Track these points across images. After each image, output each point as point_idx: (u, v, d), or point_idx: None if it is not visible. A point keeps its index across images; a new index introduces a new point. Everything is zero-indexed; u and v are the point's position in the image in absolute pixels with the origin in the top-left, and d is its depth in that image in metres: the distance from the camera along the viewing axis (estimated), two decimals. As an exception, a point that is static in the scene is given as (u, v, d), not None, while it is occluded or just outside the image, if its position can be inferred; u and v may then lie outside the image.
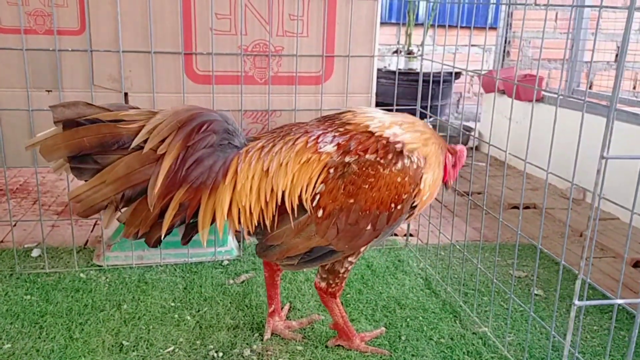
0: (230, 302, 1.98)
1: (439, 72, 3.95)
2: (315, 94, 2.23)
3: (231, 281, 2.13)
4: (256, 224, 1.47)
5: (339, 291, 1.66)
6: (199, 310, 1.92)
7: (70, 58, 1.99)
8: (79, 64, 2.00)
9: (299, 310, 1.96)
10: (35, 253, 2.29)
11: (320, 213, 1.44)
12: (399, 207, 1.47)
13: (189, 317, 1.88)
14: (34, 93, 1.99)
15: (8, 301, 1.92)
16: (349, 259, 1.59)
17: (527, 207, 3.24)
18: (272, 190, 1.44)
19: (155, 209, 1.38)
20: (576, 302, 1.19)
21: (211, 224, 1.46)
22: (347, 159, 1.44)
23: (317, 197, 1.44)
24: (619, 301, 1.18)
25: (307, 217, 1.45)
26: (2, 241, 2.42)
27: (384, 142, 1.46)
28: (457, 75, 4.62)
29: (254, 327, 1.84)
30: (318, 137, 1.48)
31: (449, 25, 2.31)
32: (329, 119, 1.59)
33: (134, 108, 1.43)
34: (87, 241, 2.46)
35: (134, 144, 1.34)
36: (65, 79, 2.00)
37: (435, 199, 3.20)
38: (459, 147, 1.72)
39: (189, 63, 2.08)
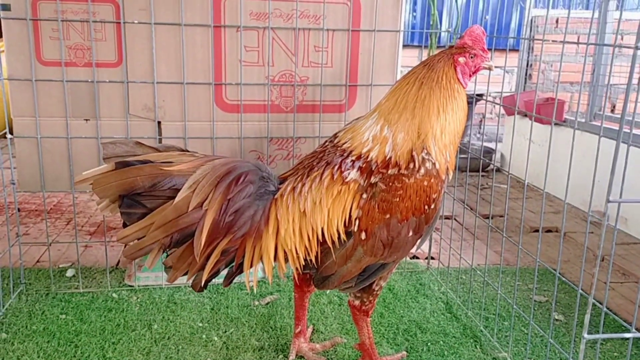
0: (255, 324, 2.05)
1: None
2: (338, 121, 2.30)
3: (256, 302, 2.20)
4: (303, 263, 1.53)
5: (371, 309, 1.70)
6: (225, 331, 1.99)
7: (108, 89, 2.10)
8: (115, 94, 2.11)
9: (321, 332, 2.02)
10: (69, 273, 2.39)
11: (363, 236, 1.49)
12: (432, 206, 1.52)
13: (216, 338, 1.95)
14: (72, 122, 2.11)
15: (45, 320, 2.01)
16: (382, 281, 1.65)
17: (549, 231, 3.26)
18: (312, 229, 1.50)
19: (201, 258, 1.44)
20: (585, 335, 1.22)
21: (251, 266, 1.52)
22: (372, 180, 1.49)
23: (357, 221, 1.49)
24: (628, 335, 1.21)
25: (352, 243, 1.51)
26: (38, 261, 2.53)
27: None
28: (479, 96, 4.66)
29: (279, 348, 1.90)
30: (341, 166, 1.53)
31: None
32: (332, 146, 1.62)
33: (181, 150, 1.50)
34: (118, 261, 2.56)
35: (177, 199, 1.39)
36: (102, 109, 2.11)
37: (456, 220, 3.24)
38: (466, 35, 1.52)
39: (219, 93, 2.18)
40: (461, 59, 1.54)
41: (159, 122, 2.16)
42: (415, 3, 5.66)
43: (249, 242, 1.49)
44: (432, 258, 2.68)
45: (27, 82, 2.05)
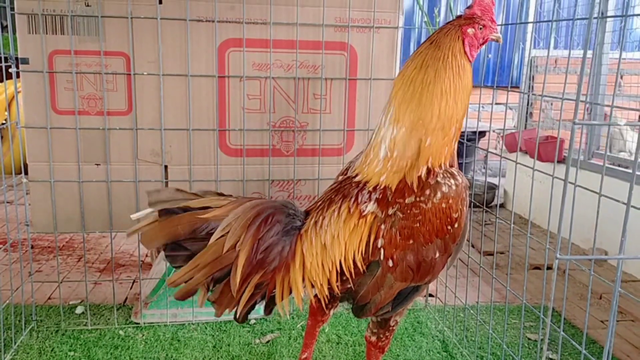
0: (255, 361, 2.12)
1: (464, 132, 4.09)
2: (337, 164, 2.40)
3: (257, 340, 2.27)
4: (327, 294, 1.58)
5: (387, 345, 1.74)
6: (226, 369, 2.06)
7: (118, 135, 2.23)
8: (125, 140, 2.23)
9: (319, 370, 2.08)
10: (79, 310, 2.48)
11: (390, 263, 1.53)
12: (455, 225, 1.54)
13: (217, 375, 2.01)
14: (84, 166, 2.23)
15: (54, 357, 2.10)
16: (398, 317, 1.70)
17: (550, 268, 3.29)
18: (331, 262, 1.55)
19: (238, 294, 1.53)
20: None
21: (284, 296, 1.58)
22: (390, 211, 1.53)
23: (382, 250, 1.53)
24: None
25: (381, 271, 1.54)
26: (49, 298, 2.63)
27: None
28: (482, 133, 4.76)
29: (277, 386, 1.96)
30: (357, 198, 1.58)
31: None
32: (347, 181, 1.67)
33: (216, 194, 1.59)
34: (126, 298, 2.64)
35: (212, 240, 1.49)
36: (112, 154, 2.23)
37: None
38: (475, 4, 1.46)
39: (223, 138, 2.29)
40: (470, 30, 1.49)
41: (166, 166, 2.28)
42: (419, 43, 5.81)
43: (278, 276, 1.55)
44: (431, 295, 2.73)
45: (42, 129, 2.18)
